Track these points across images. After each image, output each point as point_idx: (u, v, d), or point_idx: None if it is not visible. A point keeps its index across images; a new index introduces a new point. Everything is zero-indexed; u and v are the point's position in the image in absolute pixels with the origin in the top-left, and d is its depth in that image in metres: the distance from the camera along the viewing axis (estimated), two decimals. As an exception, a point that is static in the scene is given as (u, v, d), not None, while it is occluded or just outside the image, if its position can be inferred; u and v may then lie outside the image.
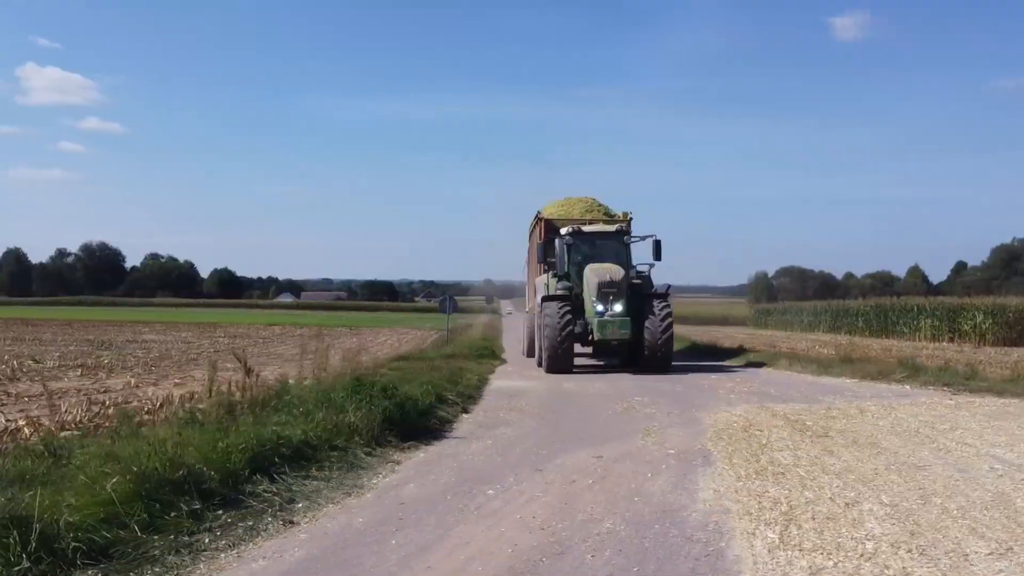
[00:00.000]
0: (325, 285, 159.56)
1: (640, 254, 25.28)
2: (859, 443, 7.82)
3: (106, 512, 4.70)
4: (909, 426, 8.90)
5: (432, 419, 9.58)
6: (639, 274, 17.89)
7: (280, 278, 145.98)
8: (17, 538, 4.14)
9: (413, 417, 9.01)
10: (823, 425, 9.02)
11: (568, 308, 16.65)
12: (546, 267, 18.71)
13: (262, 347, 28.05)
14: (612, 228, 18.83)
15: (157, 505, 5.03)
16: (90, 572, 4.18)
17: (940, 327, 36.87)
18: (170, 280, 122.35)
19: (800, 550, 4.37)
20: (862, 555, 4.24)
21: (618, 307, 16.70)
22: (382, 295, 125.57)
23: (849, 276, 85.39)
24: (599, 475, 6.64)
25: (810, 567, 4.09)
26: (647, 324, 16.58)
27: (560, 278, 17.99)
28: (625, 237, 18.42)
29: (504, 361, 20.37)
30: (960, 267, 77.70)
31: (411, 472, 6.95)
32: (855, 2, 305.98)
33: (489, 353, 21.38)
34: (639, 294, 17.13)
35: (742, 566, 4.16)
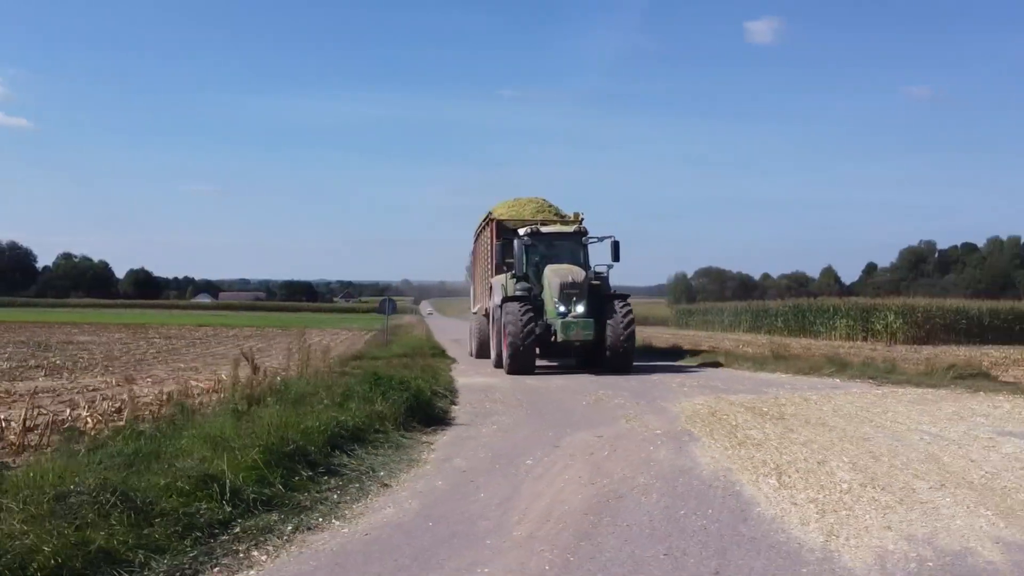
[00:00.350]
0: (242, 285, 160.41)
1: (596, 255, 27.01)
2: (811, 423, 9.82)
3: (256, 475, 6.15)
4: (848, 411, 10.99)
5: (436, 409, 11.17)
6: (597, 275, 18.70)
7: (196, 278, 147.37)
8: (216, 489, 5.59)
9: (425, 407, 10.59)
10: (777, 411, 11.02)
11: (529, 309, 17.29)
12: (505, 267, 19.57)
13: (203, 347, 28.78)
14: (570, 229, 19.58)
15: (282, 471, 6.49)
16: (274, 514, 5.64)
17: (854, 327, 40.43)
18: (84, 280, 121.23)
19: (795, 490, 6.22)
20: (841, 491, 6.11)
21: (580, 308, 17.40)
22: (301, 295, 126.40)
23: (766, 277, 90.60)
24: (609, 449, 8.37)
25: (807, 498, 5.92)
26: (609, 325, 17.27)
27: (519, 279, 18.68)
28: (583, 238, 19.20)
29: (455, 360, 21.83)
30: (871, 268, 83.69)
31: (448, 450, 8.51)
32: (769, 7, 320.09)
33: (439, 353, 22.88)
34: (598, 295, 17.92)
35: (759, 499, 5.96)
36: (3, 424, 8.68)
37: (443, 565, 4.66)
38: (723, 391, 13.74)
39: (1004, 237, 76.29)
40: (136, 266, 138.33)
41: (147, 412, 9.81)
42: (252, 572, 4.59)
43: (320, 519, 5.68)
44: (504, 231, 20.73)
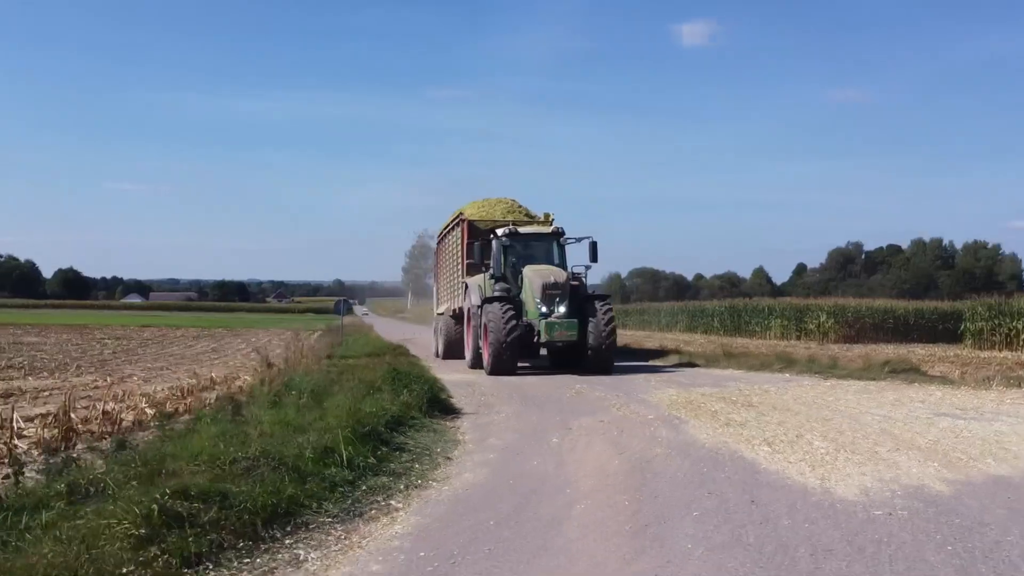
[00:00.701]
0: (172, 285, 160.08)
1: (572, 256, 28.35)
2: (778, 409, 11.87)
3: (352, 449, 7.77)
4: (806, 399, 13.12)
5: (446, 400, 12.86)
6: (575, 275, 19.35)
7: (125, 278, 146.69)
8: (336, 458, 7.22)
9: (438, 398, 12.29)
10: (744, 400, 13.06)
11: (511, 309, 17.90)
12: (484, 268, 20.05)
13: (157, 347, 29.73)
14: (548, 229, 20.34)
15: (366, 447, 8.13)
16: (382, 478, 7.30)
17: (788, 326, 43.42)
18: (9, 281, 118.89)
19: (786, 454, 8.18)
20: (821, 454, 8.09)
21: (563, 308, 18.11)
22: (234, 295, 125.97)
23: (699, 277, 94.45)
24: (616, 430, 10.21)
25: (797, 459, 7.88)
26: (591, 325, 17.94)
27: (497, 279, 19.35)
28: (561, 238, 19.96)
29: (423, 359, 23.38)
30: (801, 269, 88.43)
31: (476, 433, 10.21)
32: (703, 10, 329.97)
33: (405, 352, 24.43)
34: (578, 295, 18.66)
35: (760, 460, 7.88)
36: (70, 416, 10.00)
37: (543, 505, 6.43)
38: (689, 385, 15.72)
39: (927, 239, 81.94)
40: (63, 265, 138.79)
41: (201, 406, 11.27)
42: (400, 514, 6.26)
43: (419, 481, 7.37)
44: (475, 231, 21.56)
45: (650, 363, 22.18)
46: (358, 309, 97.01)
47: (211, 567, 4.84)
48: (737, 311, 48.12)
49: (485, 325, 18.25)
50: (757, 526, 5.50)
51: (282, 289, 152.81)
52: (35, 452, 8.99)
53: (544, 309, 18.22)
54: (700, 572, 4.57)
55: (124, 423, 10.75)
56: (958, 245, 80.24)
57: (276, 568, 4.94)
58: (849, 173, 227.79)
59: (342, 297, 32.06)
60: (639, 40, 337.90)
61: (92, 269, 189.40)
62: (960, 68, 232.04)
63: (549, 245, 20.03)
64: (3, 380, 17.19)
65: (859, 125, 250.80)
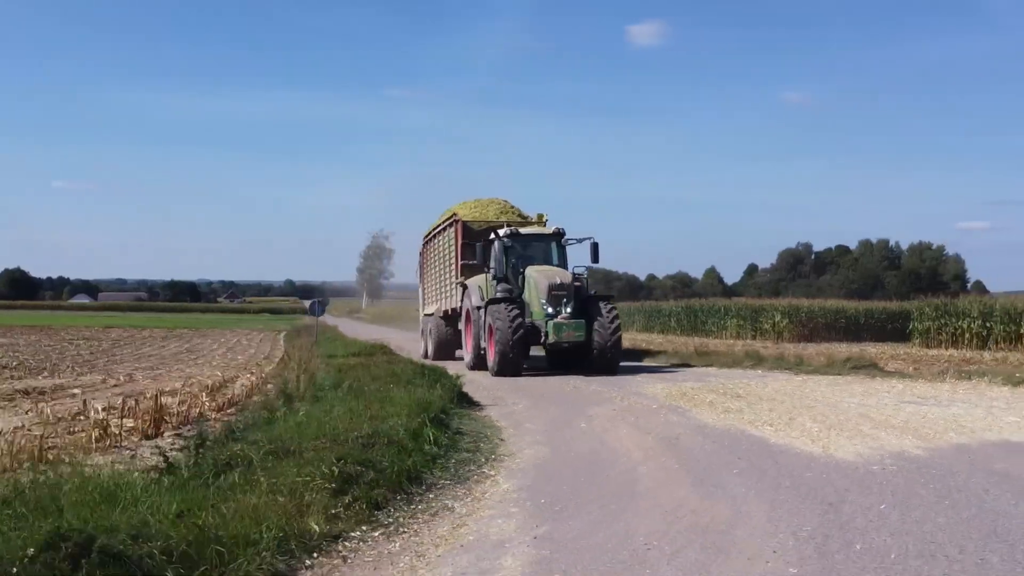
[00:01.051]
0: (119, 285, 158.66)
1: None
2: (764, 399, 13.97)
3: (434, 432, 9.58)
4: (786, 391, 15.27)
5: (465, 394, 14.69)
6: (577, 276, 20.02)
7: (71, 278, 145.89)
8: (424, 438, 9.03)
9: (461, 392, 14.13)
10: (732, 392, 15.14)
11: (517, 311, 18.67)
12: (487, 268, 20.67)
13: (132, 348, 30.97)
14: (550, 230, 21.10)
15: (438, 430, 9.94)
16: (463, 453, 9.12)
17: (744, 326, 46.12)
18: None
19: (787, 431, 10.22)
20: (816, 432, 10.15)
21: (568, 309, 18.83)
22: (185, 296, 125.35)
23: (651, 278, 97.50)
24: (632, 416, 12.17)
25: (798, 435, 9.93)
26: (596, 326, 18.65)
27: (499, 280, 20.08)
28: (562, 239, 20.78)
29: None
30: (752, 269, 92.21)
31: (508, 421, 12.01)
32: (652, 11, 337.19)
33: (388, 350, 26.09)
34: (581, 296, 19.37)
35: (768, 437, 9.90)
36: (160, 406, 11.60)
37: (612, 469, 8.34)
38: (674, 380, 17.74)
39: (874, 240, 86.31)
40: (9, 265, 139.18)
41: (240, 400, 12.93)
42: (498, 478, 8.10)
43: (493, 456, 9.23)
44: (469, 232, 22.43)
45: (625, 362, 24.19)
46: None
47: (392, 511, 6.65)
48: (694, 311, 50.68)
49: (490, 326, 18.99)
50: (787, 478, 7.50)
51: (233, 289, 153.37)
52: (134, 438, 10.63)
53: (550, 310, 18.89)
54: (758, 506, 6.52)
55: (190, 415, 12.38)
56: (904, 246, 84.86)
57: (437, 512, 6.76)
58: (799, 174, 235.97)
59: (316, 299, 33.45)
60: (591, 40, 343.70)
61: (37, 269, 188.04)
62: (908, 70, 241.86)
63: (550, 246, 20.85)
64: (7, 380, 18.46)
65: (808, 126, 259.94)
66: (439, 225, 25.53)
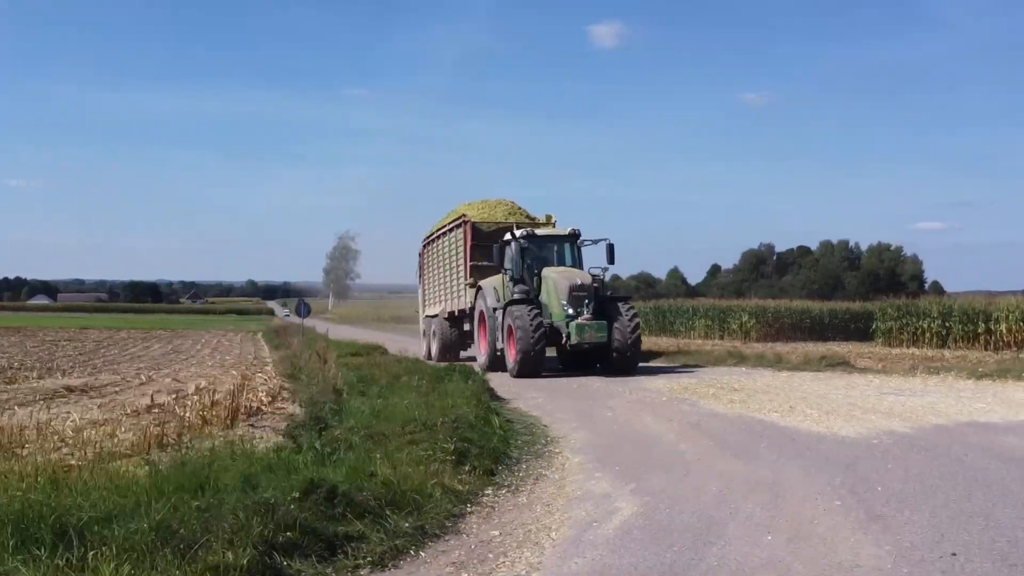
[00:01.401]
0: (78, 286, 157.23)
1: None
2: (760, 392, 16.13)
3: (498, 419, 11.53)
4: (775, 385, 17.44)
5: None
6: (595, 278, 20.67)
7: (28, 278, 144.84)
8: (492, 422, 11.00)
9: (490, 387, 16.10)
10: (728, 386, 17.26)
11: (538, 312, 19.36)
12: (505, 270, 21.32)
13: (119, 349, 32.38)
14: (565, 232, 21.85)
15: (497, 417, 11.90)
16: (524, 437, 11.09)
17: (712, 326, 48.69)
18: None
19: (793, 416, 12.36)
20: (816, 417, 12.30)
21: (589, 311, 19.46)
22: (146, 296, 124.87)
23: (615, 278, 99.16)
24: (650, 406, 14.22)
25: (802, 419, 12.07)
26: (616, 327, 19.35)
27: (516, 281, 20.72)
28: (577, 240, 21.55)
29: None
30: (715, 270, 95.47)
31: (539, 412, 13.91)
32: (611, 11, 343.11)
33: (384, 351, 27.87)
34: (599, 297, 20.09)
35: (777, 421, 12.01)
36: (238, 398, 13.37)
37: (659, 447, 10.38)
38: (672, 377, 19.71)
39: (834, 241, 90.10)
40: None
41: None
42: (566, 454, 10.07)
43: (550, 437, 11.21)
44: (478, 233, 23.23)
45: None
46: (280, 311, 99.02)
47: (503, 477, 8.61)
48: (662, 311, 53.15)
49: (509, 327, 19.64)
50: (806, 449, 9.63)
51: (195, 290, 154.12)
52: (213, 429, 12.39)
53: (570, 311, 19.55)
54: (792, 469, 8.60)
55: (251, 408, 14.16)
56: (864, 247, 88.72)
57: (537, 477, 8.71)
58: (760, 174, 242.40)
59: (302, 300, 35.05)
60: (552, 40, 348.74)
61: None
62: (865, 71, 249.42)
63: (566, 247, 21.67)
64: (25, 380, 19.94)
65: (768, 126, 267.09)
66: (444, 226, 26.00)
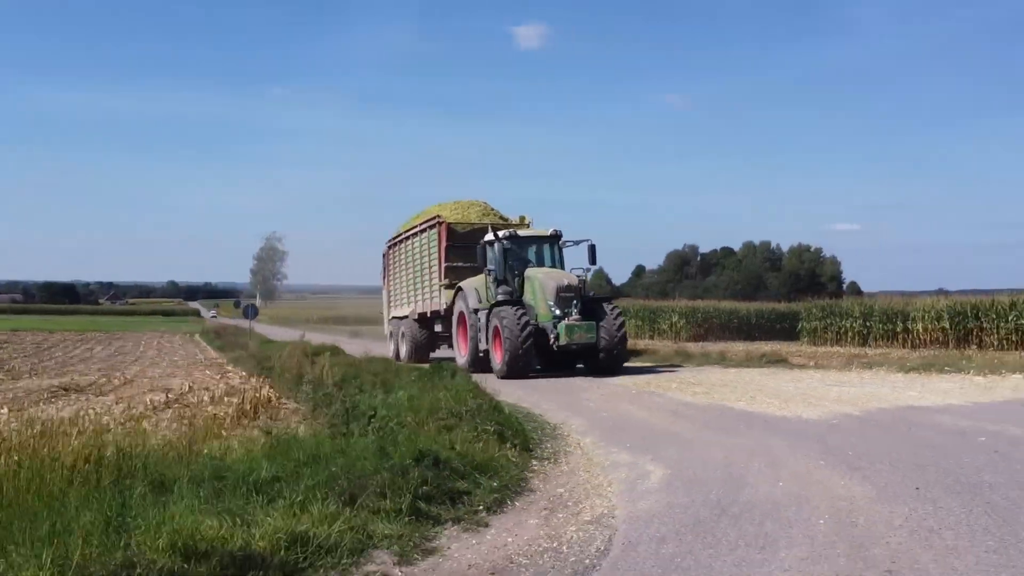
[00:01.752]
0: None
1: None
2: (719, 385, 18.49)
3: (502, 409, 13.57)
4: (728, 379, 19.85)
5: (473, 386, 18.63)
6: (579, 278, 21.57)
7: None
8: (503, 411, 13.05)
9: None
10: (688, 381, 19.57)
11: (525, 313, 20.17)
12: (487, 272, 22.15)
13: (65, 350, 33.24)
14: (547, 232, 22.79)
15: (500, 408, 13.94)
16: (531, 423, 13.17)
17: (643, 326, 51.48)
18: None
19: (757, 403, 14.71)
20: (778, 404, 14.66)
21: (577, 311, 20.40)
22: (63, 298, 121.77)
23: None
24: (626, 397, 16.39)
25: (766, 406, 14.44)
26: (602, 327, 20.36)
27: (499, 282, 21.64)
28: (559, 241, 22.58)
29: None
30: (639, 270, 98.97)
31: (526, 404, 16.10)
32: (536, 13, 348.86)
33: (340, 351, 29.54)
34: (584, 298, 21.06)
35: (746, 408, 14.35)
36: (259, 393, 15.11)
37: (653, 428, 12.58)
38: (630, 374, 21.75)
39: (757, 242, 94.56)
40: None
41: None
42: (575, 436, 12.18)
43: (555, 422, 13.29)
44: (452, 234, 24.20)
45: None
46: (206, 312, 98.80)
47: (538, 451, 10.68)
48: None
49: (496, 328, 20.44)
50: (780, 428, 11.94)
51: (114, 290, 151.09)
52: (243, 420, 14.12)
53: (558, 312, 20.48)
54: (775, 442, 10.87)
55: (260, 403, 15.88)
56: (785, 248, 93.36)
57: (565, 452, 10.80)
58: (683, 176, 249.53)
59: (250, 303, 36.41)
60: (477, 41, 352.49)
61: None
62: (789, 76, 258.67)
63: (549, 248, 22.78)
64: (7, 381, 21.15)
65: (691, 129, 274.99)
66: (415, 227, 26.87)
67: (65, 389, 19.04)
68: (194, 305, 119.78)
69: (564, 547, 6.53)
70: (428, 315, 26.05)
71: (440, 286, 24.56)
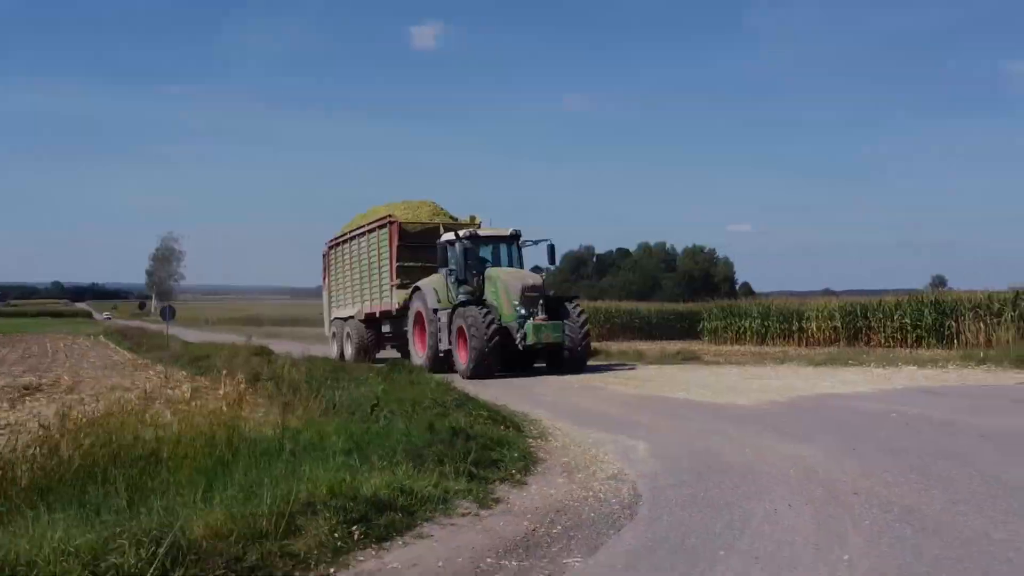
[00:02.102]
0: None
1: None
2: (649, 380, 20.96)
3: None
4: (657, 375, 22.36)
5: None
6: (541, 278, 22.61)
7: None
8: (477, 401, 15.21)
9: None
10: (622, 376, 22.05)
11: (489, 313, 20.94)
12: (449, 271, 23.09)
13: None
14: (507, 232, 23.74)
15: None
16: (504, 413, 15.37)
17: (547, 327, 54.10)
18: None
19: (694, 395, 17.24)
20: (712, 394, 17.20)
21: (542, 312, 21.22)
22: None
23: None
24: (575, 390, 18.71)
25: (702, 396, 16.98)
26: (567, 326, 21.45)
27: (461, 282, 22.45)
28: (518, 241, 23.62)
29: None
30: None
31: (484, 397, 18.26)
32: (433, 13, 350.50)
33: (268, 351, 30.98)
34: (546, 297, 22.03)
35: (683, 397, 16.89)
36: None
37: (612, 416, 14.92)
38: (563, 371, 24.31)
39: (652, 243, 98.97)
40: None
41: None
42: (545, 421, 14.42)
43: (518, 412, 15.51)
44: (404, 234, 25.01)
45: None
46: (98, 314, 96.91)
47: (527, 431, 12.86)
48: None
49: (461, 328, 21.24)
50: (723, 413, 14.43)
51: None
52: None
53: (523, 312, 21.30)
54: (723, 425, 13.31)
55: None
56: (679, 249, 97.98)
57: (547, 433, 13.02)
58: (580, 178, 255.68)
59: (168, 304, 37.36)
60: (374, 40, 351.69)
61: None
62: (680, 81, 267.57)
63: (508, 248, 23.87)
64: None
65: (589, 131, 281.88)
66: (362, 227, 27.72)
67: (26, 388, 20.17)
68: (82, 306, 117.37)
69: (600, 495, 8.73)
70: (377, 315, 26.78)
71: (392, 286, 25.28)
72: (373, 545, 6.79)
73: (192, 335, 47.61)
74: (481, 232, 23.85)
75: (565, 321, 21.80)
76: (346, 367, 22.52)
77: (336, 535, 6.70)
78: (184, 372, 25.20)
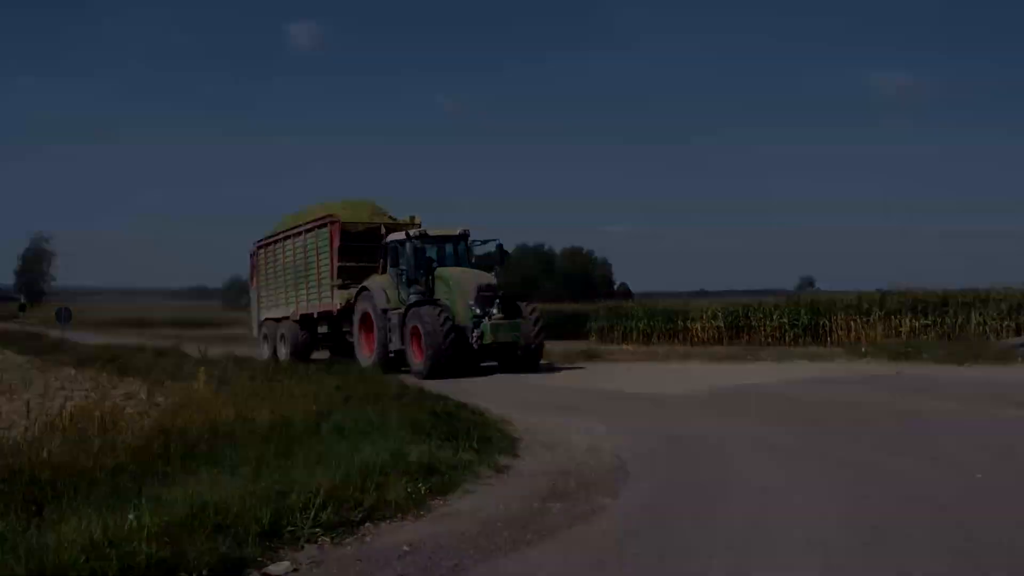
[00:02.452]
0: None
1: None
2: (572, 375, 23.13)
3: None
4: (581, 374, 24.50)
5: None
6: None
7: None
8: (429, 392, 17.08)
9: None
10: (572, 375, 23.81)
11: (444, 312, 21.37)
12: (400, 271, 23.45)
13: None
14: (456, 231, 24.31)
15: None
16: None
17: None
18: None
19: (626, 387, 19.41)
20: (641, 386, 19.50)
21: (498, 311, 21.74)
22: None
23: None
24: (507, 384, 20.62)
25: (636, 387, 19.21)
26: (521, 325, 22.21)
27: (411, 282, 22.84)
28: (468, 241, 24.20)
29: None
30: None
31: (432, 389, 20.05)
32: (309, 10, 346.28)
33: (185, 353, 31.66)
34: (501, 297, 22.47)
35: (621, 388, 19.05)
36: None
37: (558, 404, 16.96)
38: (543, 371, 25.53)
39: (530, 244, 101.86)
40: None
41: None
42: (494, 410, 16.35)
43: (471, 402, 17.41)
44: (347, 234, 25.05)
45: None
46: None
47: (490, 417, 14.79)
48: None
49: (415, 329, 21.66)
50: (660, 402, 16.61)
51: None
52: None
53: (478, 311, 21.85)
54: (666, 412, 15.51)
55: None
56: (558, 250, 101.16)
57: (506, 419, 14.92)
58: (457, 177, 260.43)
59: (64, 306, 37.49)
60: (248, 37, 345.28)
61: None
62: (560, 81, 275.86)
63: (457, 248, 24.48)
64: None
65: (463, 130, 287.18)
66: (298, 226, 27.77)
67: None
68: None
69: (589, 462, 10.69)
70: (315, 316, 26.95)
71: (333, 286, 25.48)
72: (439, 497, 8.65)
73: (79, 337, 47.31)
74: (431, 232, 24.28)
75: (519, 320, 22.63)
76: (287, 366, 23.60)
77: (409, 489, 8.52)
78: (110, 374, 25.75)
